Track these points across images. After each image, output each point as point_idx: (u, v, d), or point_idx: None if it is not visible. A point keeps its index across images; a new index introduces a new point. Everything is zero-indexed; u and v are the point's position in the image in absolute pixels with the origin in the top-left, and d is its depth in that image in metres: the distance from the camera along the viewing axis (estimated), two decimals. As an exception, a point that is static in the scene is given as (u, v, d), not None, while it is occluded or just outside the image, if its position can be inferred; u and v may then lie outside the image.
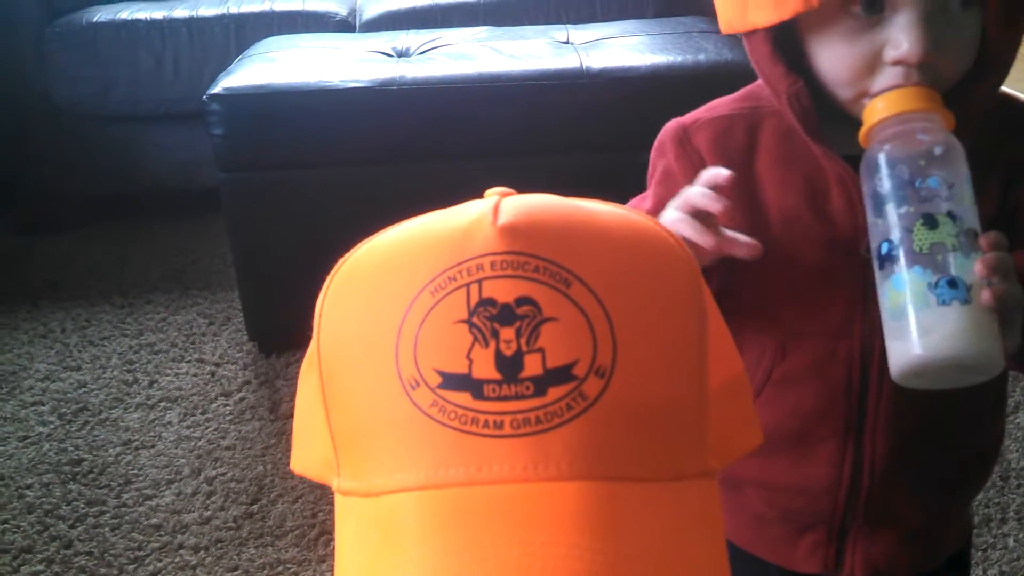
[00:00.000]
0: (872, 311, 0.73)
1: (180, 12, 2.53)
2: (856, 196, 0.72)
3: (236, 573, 1.51)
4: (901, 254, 0.64)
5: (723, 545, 0.47)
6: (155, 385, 1.98)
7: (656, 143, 0.80)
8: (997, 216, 0.73)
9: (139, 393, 1.95)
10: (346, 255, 0.51)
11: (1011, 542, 1.51)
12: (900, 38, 0.65)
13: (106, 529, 1.60)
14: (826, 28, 0.68)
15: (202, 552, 1.54)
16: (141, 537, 1.58)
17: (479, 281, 0.45)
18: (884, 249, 0.65)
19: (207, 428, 1.84)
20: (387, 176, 1.92)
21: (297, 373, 0.53)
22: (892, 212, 0.65)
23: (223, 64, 2.15)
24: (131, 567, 1.52)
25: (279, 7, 2.56)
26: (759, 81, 0.76)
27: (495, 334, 0.44)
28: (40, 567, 1.53)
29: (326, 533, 1.56)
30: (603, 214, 0.50)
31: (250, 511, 1.62)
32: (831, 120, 0.71)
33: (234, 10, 2.54)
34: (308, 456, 0.52)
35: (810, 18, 0.68)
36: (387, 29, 2.41)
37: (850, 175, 0.72)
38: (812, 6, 0.66)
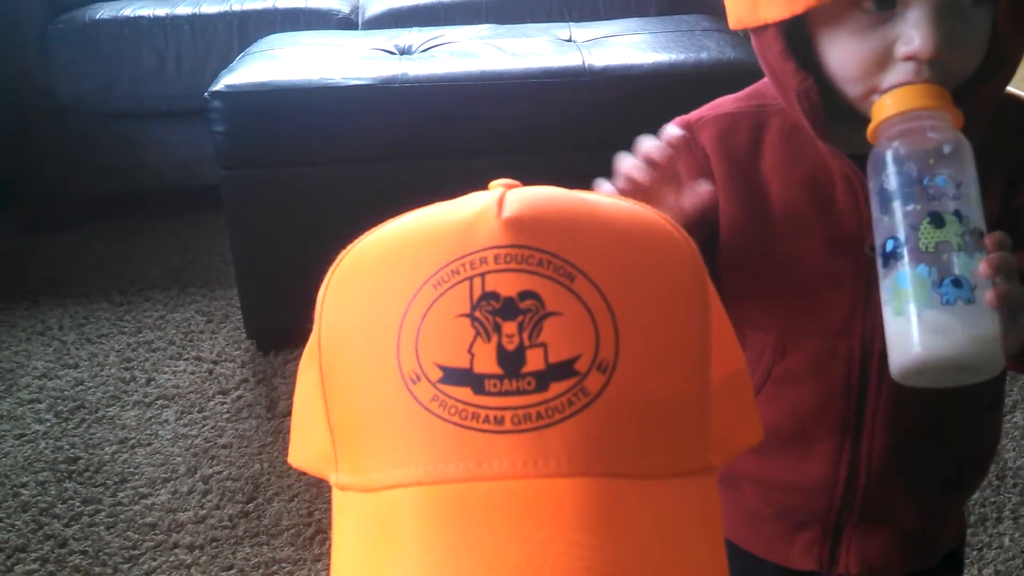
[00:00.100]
0: (873, 311, 0.73)
1: (183, 9, 2.53)
2: (861, 195, 0.72)
3: (231, 572, 1.50)
4: (906, 252, 0.64)
5: (722, 542, 0.47)
6: (152, 383, 1.97)
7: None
8: (1001, 216, 0.73)
9: (136, 391, 1.95)
10: (349, 247, 0.51)
11: (1006, 541, 1.51)
12: (912, 34, 0.65)
13: (101, 528, 1.59)
14: (837, 23, 0.68)
15: (197, 551, 1.54)
16: (136, 536, 1.57)
17: (482, 275, 0.45)
18: (889, 246, 0.65)
19: (204, 426, 1.83)
20: (389, 174, 1.92)
21: (295, 371, 0.52)
22: (899, 209, 0.65)
23: (225, 61, 2.15)
24: (126, 566, 1.52)
25: (282, 4, 2.56)
26: (764, 80, 0.77)
27: (497, 328, 0.44)
28: (34, 566, 1.52)
29: (322, 532, 1.55)
30: (607, 207, 0.50)
31: (246, 510, 1.61)
32: (837, 119, 0.71)
33: (237, 7, 2.54)
34: (306, 450, 0.51)
35: (821, 13, 0.68)
36: (389, 26, 2.41)
37: (856, 174, 0.72)
38: (824, 1, 0.65)
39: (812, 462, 0.80)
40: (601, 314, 0.44)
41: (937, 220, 0.63)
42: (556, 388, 0.43)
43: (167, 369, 2.01)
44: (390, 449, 0.45)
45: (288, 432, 0.54)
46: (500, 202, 0.46)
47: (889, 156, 0.66)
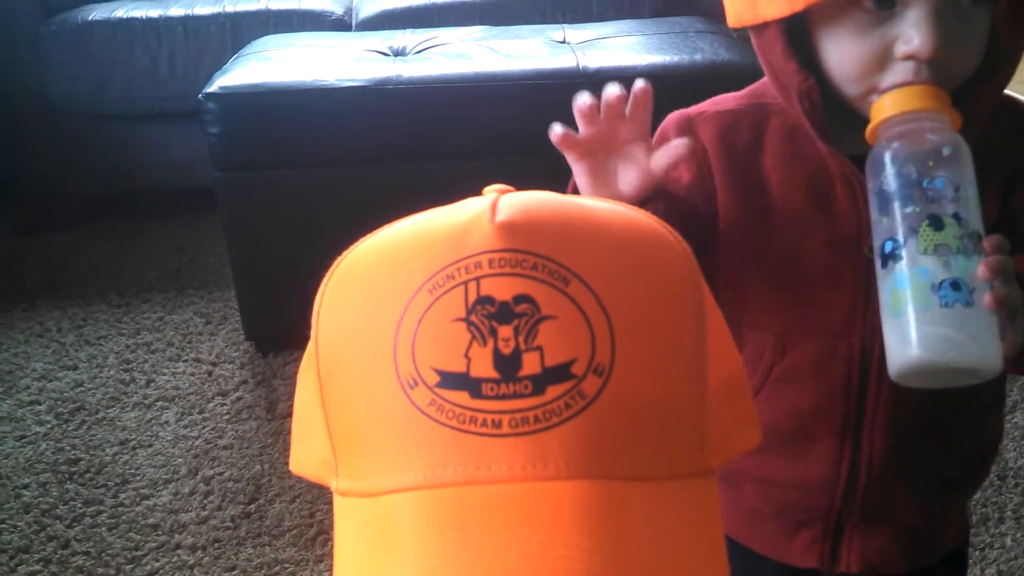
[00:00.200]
0: (873, 311, 0.73)
1: (176, 10, 2.53)
2: (860, 196, 0.72)
3: (233, 573, 1.51)
4: (905, 253, 0.64)
5: (722, 544, 0.47)
6: (152, 384, 1.97)
7: (658, 132, 0.80)
8: (998, 218, 0.73)
9: (136, 392, 1.95)
10: (344, 253, 0.51)
11: (1008, 541, 1.51)
12: (911, 33, 0.65)
13: (103, 529, 1.60)
14: (836, 22, 0.68)
15: (199, 552, 1.54)
16: (138, 537, 1.58)
17: (477, 279, 0.45)
18: (888, 248, 0.65)
19: (204, 428, 1.83)
20: (383, 175, 1.92)
21: (294, 372, 0.52)
22: (898, 211, 0.65)
23: (219, 63, 2.14)
24: (128, 567, 1.52)
25: (275, 6, 2.55)
26: (763, 80, 0.76)
27: (493, 332, 0.44)
28: (37, 567, 1.53)
29: (324, 533, 1.56)
30: (601, 211, 0.50)
31: (247, 511, 1.62)
32: (836, 120, 0.71)
33: (230, 8, 2.53)
34: (307, 456, 0.51)
35: (820, 12, 0.68)
36: (383, 28, 2.40)
37: (855, 175, 0.72)
38: None
39: (812, 461, 0.80)
40: (596, 317, 0.45)
41: (936, 222, 0.63)
42: (553, 391, 0.43)
43: (166, 371, 2.02)
44: (389, 454, 0.45)
45: (288, 433, 0.54)
46: (494, 207, 0.47)
47: (888, 157, 0.66)
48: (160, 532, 1.58)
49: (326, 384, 0.49)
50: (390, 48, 2.10)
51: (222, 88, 1.91)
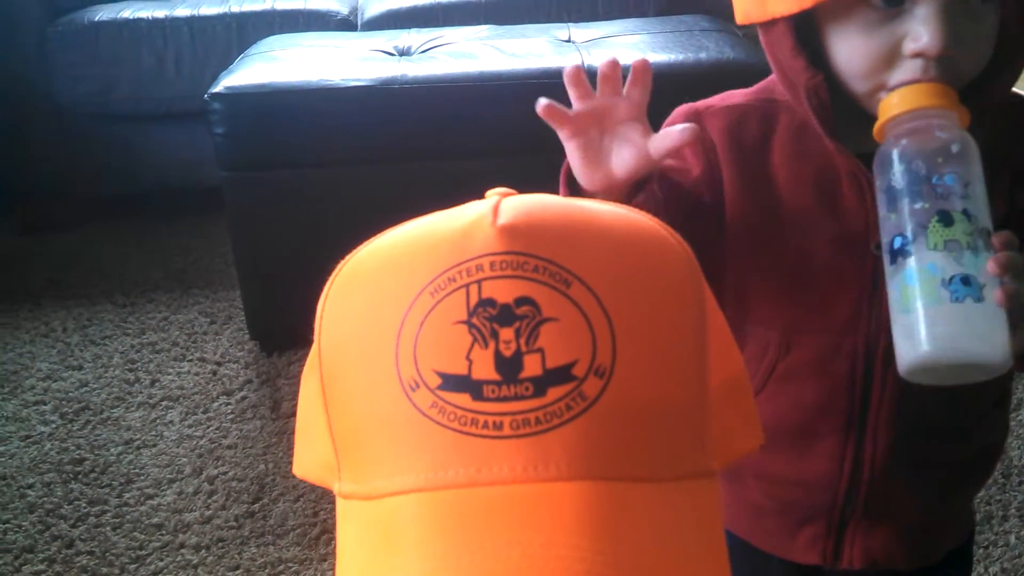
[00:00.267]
0: (878, 309, 0.73)
1: (182, 11, 2.53)
2: (868, 193, 0.72)
3: (237, 572, 1.51)
4: (915, 249, 0.64)
5: (723, 545, 0.47)
6: (157, 384, 1.98)
7: (664, 125, 0.78)
8: (1006, 216, 0.73)
9: (141, 392, 1.95)
10: (347, 257, 0.51)
11: (1012, 539, 1.51)
12: (920, 30, 0.64)
13: (107, 528, 1.60)
14: (845, 19, 0.68)
15: (203, 551, 1.55)
16: (143, 536, 1.58)
17: (479, 282, 0.45)
18: (897, 243, 0.65)
19: (209, 427, 1.84)
20: (389, 175, 1.92)
21: (298, 372, 0.53)
22: (907, 207, 0.65)
23: (225, 63, 2.15)
24: (132, 566, 1.53)
25: (281, 6, 2.56)
26: (771, 77, 0.76)
27: (495, 335, 0.44)
28: (42, 567, 1.53)
29: (327, 532, 1.56)
30: (603, 213, 0.50)
31: (251, 510, 1.62)
32: (844, 118, 0.71)
33: (236, 9, 2.54)
34: (309, 459, 0.52)
35: (829, 9, 0.68)
36: (389, 28, 2.41)
37: (863, 172, 0.72)
38: None
39: (816, 458, 0.80)
40: (597, 319, 0.45)
41: (946, 218, 0.63)
42: (554, 393, 0.43)
43: (171, 370, 2.02)
44: (391, 456, 0.45)
45: (292, 433, 0.54)
46: (495, 210, 0.47)
47: (897, 154, 0.66)
48: (164, 532, 1.59)
49: (328, 387, 0.49)
50: (395, 48, 2.10)
51: (228, 88, 1.91)
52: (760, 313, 0.79)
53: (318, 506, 1.61)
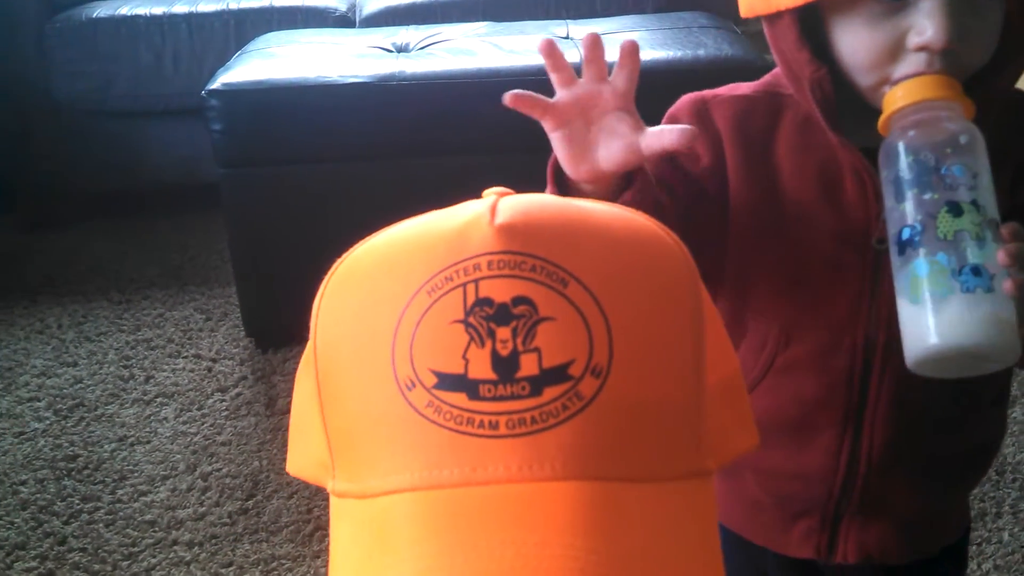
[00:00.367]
0: (878, 304, 0.73)
1: (180, 8, 2.53)
2: (870, 188, 0.72)
3: (231, 569, 1.51)
4: (924, 240, 0.63)
5: (718, 545, 0.47)
6: (151, 381, 1.97)
7: (668, 115, 0.79)
8: (1008, 210, 0.73)
9: (135, 389, 1.95)
10: (343, 255, 0.51)
11: (1006, 536, 1.52)
12: (924, 24, 0.64)
13: (100, 525, 1.60)
14: (850, 13, 0.68)
15: (196, 548, 1.54)
16: (135, 533, 1.58)
17: (476, 281, 0.45)
18: (905, 234, 0.65)
19: (203, 424, 1.83)
20: (386, 172, 1.92)
21: (293, 369, 0.52)
22: (916, 198, 0.64)
23: (223, 60, 2.15)
24: (125, 563, 1.52)
25: (278, 2, 2.56)
26: (776, 71, 0.76)
27: (491, 334, 0.44)
28: (34, 563, 1.53)
29: (321, 529, 1.56)
30: (600, 213, 0.50)
31: (245, 507, 1.62)
32: (848, 112, 0.71)
33: (234, 6, 2.54)
34: (304, 457, 0.51)
35: (834, 2, 0.68)
36: (387, 24, 2.41)
37: (866, 167, 0.72)
38: None
39: (812, 451, 0.80)
40: (594, 319, 0.45)
41: (955, 209, 0.63)
42: (550, 393, 0.43)
43: (166, 367, 2.02)
44: (386, 455, 0.45)
45: (287, 430, 0.54)
46: (493, 209, 0.47)
47: (904, 145, 0.66)
48: (157, 528, 1.58)
49: (324, 386, 0.49)
50: (393, 44, 2.10)
51: (226, 85, 1.91)
52: (760, 305, 0.79)
53: (312, 503, 1.61)
